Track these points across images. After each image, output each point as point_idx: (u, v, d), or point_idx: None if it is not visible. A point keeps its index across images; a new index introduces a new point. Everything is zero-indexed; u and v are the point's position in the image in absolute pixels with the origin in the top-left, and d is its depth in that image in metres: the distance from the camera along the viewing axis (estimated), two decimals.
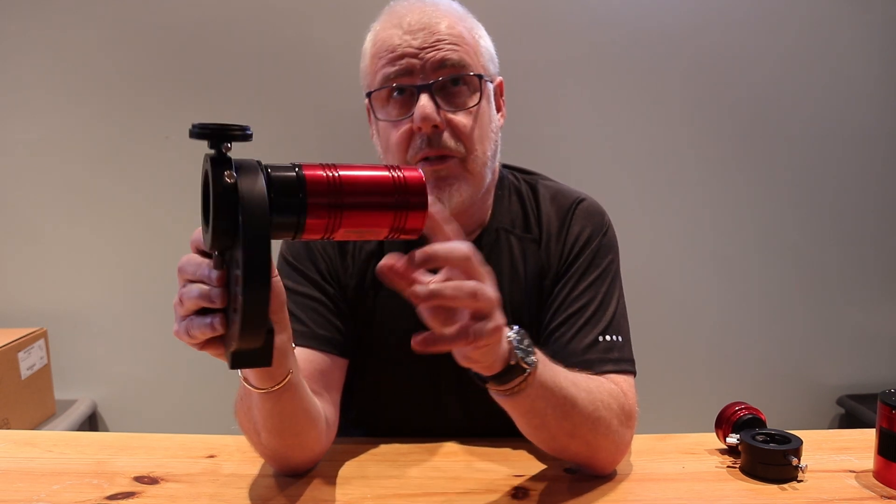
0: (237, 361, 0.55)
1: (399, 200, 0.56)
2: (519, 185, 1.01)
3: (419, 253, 0.59)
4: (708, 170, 1.93)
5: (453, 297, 0.59)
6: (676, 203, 1.94)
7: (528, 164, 1.05)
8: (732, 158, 1.93)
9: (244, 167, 0.52)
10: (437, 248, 0.60)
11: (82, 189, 1.88)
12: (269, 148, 1.91)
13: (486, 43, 0.92)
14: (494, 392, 0.71)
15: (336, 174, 0.55)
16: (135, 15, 1.81)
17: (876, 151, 1.95)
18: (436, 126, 0.84)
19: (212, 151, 0.52)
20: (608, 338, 0.88)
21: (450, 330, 0.61)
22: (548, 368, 0.73)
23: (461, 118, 0.86)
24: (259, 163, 0.54)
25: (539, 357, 0.71)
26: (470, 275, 0.60)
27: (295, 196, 0.53)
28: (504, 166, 1.02)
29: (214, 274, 0.55)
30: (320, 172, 0.55)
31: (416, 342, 0.60)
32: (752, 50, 1.88)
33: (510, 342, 0.68)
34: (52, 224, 1.89)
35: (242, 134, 0.53)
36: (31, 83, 1.84)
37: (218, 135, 0.52)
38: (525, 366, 0.68)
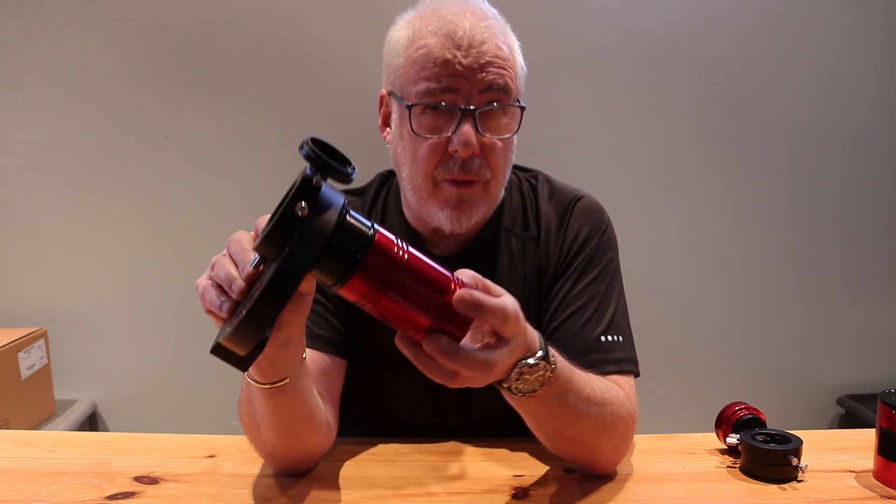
0: (217, 352, 0.55)
1: (447, 310, 0.56)
2: (519, 183, 1.01)
3: (466, 297, 0.56)
4: (708, 170, 1.93)
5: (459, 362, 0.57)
6: (677, 203, 1.94)
7: (529, 164, 1.05)
8: (732, 158, 1.93)
9: (323, 205, 0.51)
10: (486, 302, 0.57)
11: (82, 189, 1.88)
12: (269, 148, 1.93)
13: (521, 61, 0.91)
14: (503, 391, 0.70)
15: (405, 253, 0.54)
16: (135, 15, 1.81)
17: (876, 151, 1.95)
18: (472, 152, 0.84)
19: (308, 170, 0.52)
20: (609, 338, 0.88)
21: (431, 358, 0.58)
22: (559, 383, 0.69)
23: (496, 146, 0.86)
24: (344, 204, 0.53)
25: (559, 366, 0.68)
26: (499, 334, 0.60)
27: (355, 250, 0.53)
28: None
29: (247, 269, 0.56)
30: (392, 241, 0.54)
31: (398, 341, 0.59)
32: (752, 50, 1.88)
33: (518, 367, 0.65)
34: (52, 224, 1.89)
35: (342, 175, 0.52)
36: (31, 83, 1.84)
37: (320, 165, 0.52)
38: (512, 392, 0.66)
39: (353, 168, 0.53)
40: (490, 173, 0.87)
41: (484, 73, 0.83)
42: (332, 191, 0.53)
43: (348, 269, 0.53)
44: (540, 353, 0.65)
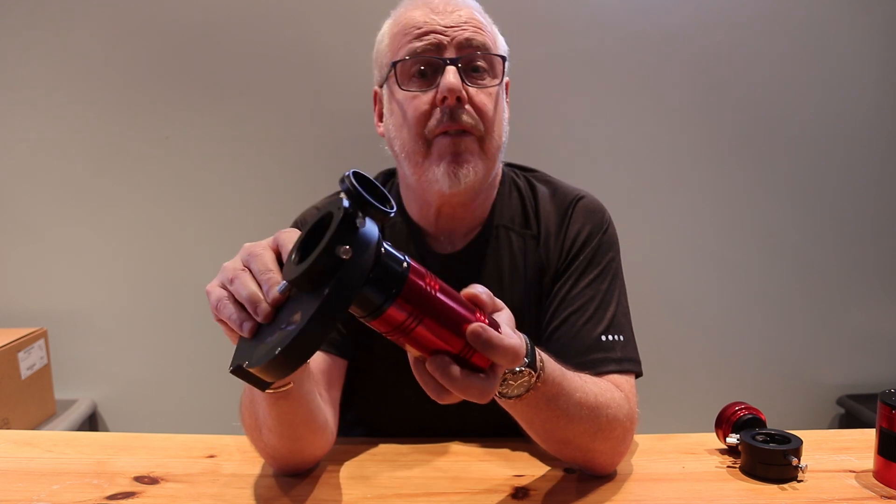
0: (238, 373, 0.55)
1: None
2: (519, 182, 1.01)
3: (479, 331, 0.55)
4: (708, 170, 1.93)
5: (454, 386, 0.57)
6: (676, 203, 1.94)
7: (528, 163, 1.05)
8: (732, 158, 1.93)
9: (362, 243, 0.51)
10: (496, 340, 0.56)
11: (82, 189, 1.88)
12: (269, 148, 1.93)
13: (502, 41, 0.95)
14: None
15: (435, 282, 0.55)
16: (135, 15, 1.81)
17: (876, 151, 1.94)
18: (459, 99, 0.86)
19: (345, 203, 0.51)
20: (610, 337, 0.88)
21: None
22: (547, 387, 0.68)
23: (483, 97, 0.88)
24: (380, 238, 0.53)
25: (547, 368, 0.67)
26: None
27: (391, 285, 0.53)
28: (504, 164, 1.02)
29: (274, 293, 0.55)
30: (423, 272, 0.55)
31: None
32: (752, 50, 1.88)
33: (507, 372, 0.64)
34: (52, 224, 1.89)
35: (382, 214, 0.51)
36: (31, 83, 1.84)
37: (360, 203, 0.51)
38: (497, 395, 0.66)
39: (393, 206, 0.53)
40: (483, 126, 0.88)
41: (461, 31, 0.88)
42: (369, 224, 0.52)
43: (384, 303, 0.53)
44: (525, 361, 0.64)
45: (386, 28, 0.94)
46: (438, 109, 0.86)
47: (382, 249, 0.53)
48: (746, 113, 1.91)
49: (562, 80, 1.85)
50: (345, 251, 0.49)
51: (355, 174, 0.52)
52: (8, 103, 1.85)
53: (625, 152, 1.91)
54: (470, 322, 0.56)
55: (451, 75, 0.86)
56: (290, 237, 0.59)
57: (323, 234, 0.52)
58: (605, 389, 0.79)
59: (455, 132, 0.87)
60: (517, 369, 0.64)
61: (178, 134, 1.86)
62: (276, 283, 0.56)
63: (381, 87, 0.95)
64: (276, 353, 0.50)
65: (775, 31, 1.88)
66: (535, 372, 0.66)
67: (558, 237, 0.95)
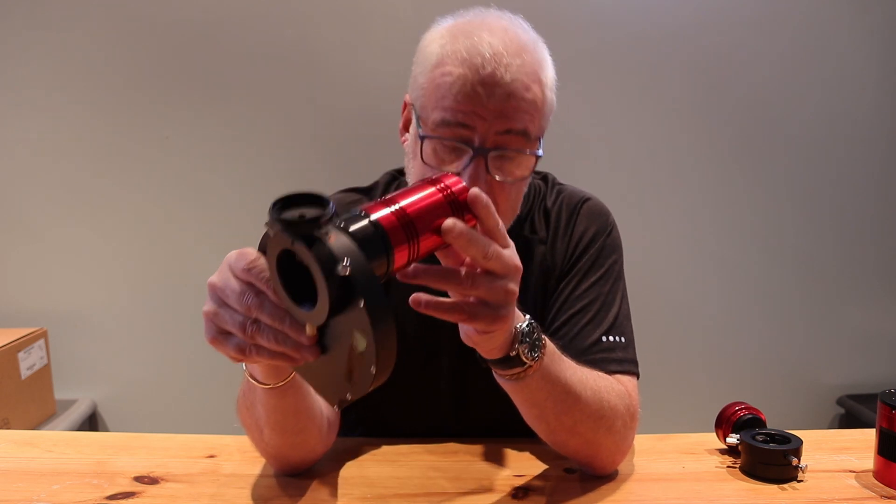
0: (344, 404, 0.57)
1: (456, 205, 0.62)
2: (529, 185, 1.01)
3: (475, 192, 0.61)
4: (708, 170, 1.93)
5: (469, 243, 0.59)
6: (676, 203, 1.94)
7: None
8: (732, 158, 1.93)
9: (343, 250, 0.52)
10: (483, 201, 0.61)
11: (82, 189, 1.88)
12: (269, 148, 1.92)
13: (551, 97, 0.87)
14: (496, 374, 0.72)
15: (402, 211, 0.58)
16: (135, 15, 1.81)
17: (876, 151, 1.95)
18: None
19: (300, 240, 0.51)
20: (611, 338, 0.88)
21: (450, 301, 0.62)
22: (554, 363, 0.73)
23: (505, 187, 0.82)
24: (345, 229, 0.54)
25: (547, 351, 0.71)
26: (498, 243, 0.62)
27: (380, 247, 0.56)
28: None
29: (305, 335, 0.55)
30: (390, 217, 0.57)
31: (415, 299, 0.61)
32: (752, 50, 1.88)
33: (517, 332, 0.68)
34: (52, 224, 1.89)
35: (324, 218, 0.52)
36: (31, 83, 1.84)
37: (306, 226, 0.51)
38: (525, 359, 0.68)
39: (327, 199, 0.53)
40: (500, 210, 0.85)
41: (504, 118, 0.79)
42: (339, 242, 0.53)
43: (389, 262, 0.56)
44: (528, 318, 0.69)
45: (433, 56, 0.82)
46: None
47: (350, 231, 0.54)
48: (746, 113, 1.91)
49: (561, 80, 1.85)
50: (342, 268, 0.50)
51: (277, 206, 0.52)
52: (8, 103, 1.85)
53: (624, 152, 1.91)
54: (438, 186, 0.61)
55: (473, 172, 0.78)
56: (240, 259, 0.57)
57: (289, 260, 0.53)
58: (603, 377, 0.81)
59: None
60: (525, 325, 0.68)
61: (178, 134, 1.86)
62: (287, 318, 0.55)
63: (410, 105, 0.88)
64: (374, 379, 0.54)
65: (775, 31, 1.88)
66: (542, 341, 0.69)
67: (563, 239, 0.96)
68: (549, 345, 0.72)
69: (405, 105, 0.91)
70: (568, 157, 1.87)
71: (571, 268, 0.94)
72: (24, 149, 1.86)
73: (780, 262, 1.97)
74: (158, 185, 1.87)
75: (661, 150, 1.91)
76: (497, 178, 0.81)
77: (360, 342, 0.53)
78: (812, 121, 1.92)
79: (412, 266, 0.59)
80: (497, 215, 0.63)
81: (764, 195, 1.94)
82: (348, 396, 0.56)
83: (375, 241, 0.55)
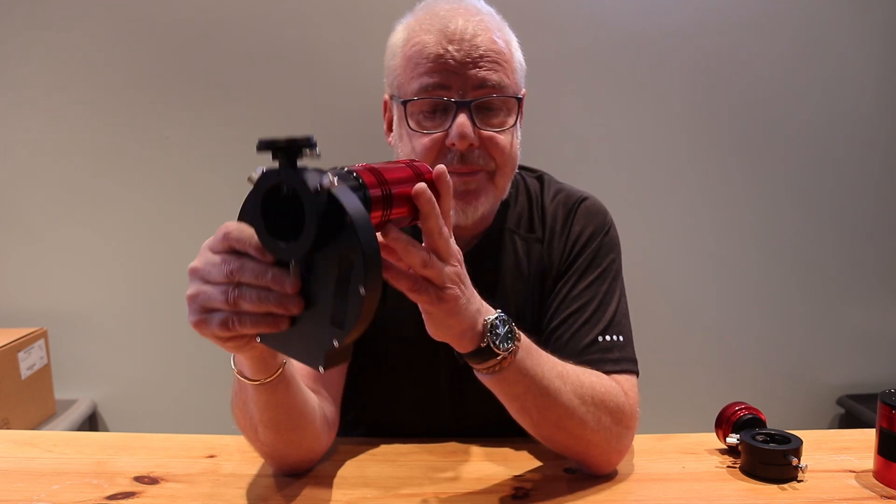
0: (331, 361, 0.56)
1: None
2: (525, 185, 1.01)
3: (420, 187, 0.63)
4: (707, 169, 1.93)
5: (405, 252, 0.62)
6: (676, 203, 1.94)
7: (527, 163, 1.05)
8: (732, 158, 1.93)
9: (320, 173, 0.55)
10: (424, 191, 0.63)
11: (82, 189, 1.88)
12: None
13: (519, 56, 0.91)
14: (475, 371, 0.73)
15: (380, 174, 0.61)
16: (135, 15, 1.81)
17: (876, 151, 1.94)
18: (471, 144, 0.84)
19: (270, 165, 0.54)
20: (608, 338, 0.88)
21: (404, 269, 0.64)
22: (531, 356, 0.73)
23: (496, 138, 0.86)
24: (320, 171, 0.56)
25: (522, 345, 0.72)
26: (436, 251, 0.64)
27: (362, 196, 0.58)
28: None
29: (289, 282, 0.56)
30: (369, 174, 0.60)
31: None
32: (752, 50, 1.88)
33: (487, 323, 0.69)
34: (52, 224, 1.89)
35: (304, 145, 0.55)
36: (31, 83, 1.84)
37: (290, 147, 0.54)
38: (497, 351, 0.69)
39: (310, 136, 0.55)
40: (494, 164, 0.87)
41: (476, 69, 0.84)
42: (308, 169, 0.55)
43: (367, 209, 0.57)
44: (499, 311, 0.71)
45: (399, 40, 0.89)
46: (449, 150, 0.85)
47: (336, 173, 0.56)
48: (746, 113, 1.91)
49: (561, 80, 1.85)
50: (330, 181, 0.52)
51: (265, 140, 0.56)
52: (8, 103, 1.85)
53: (624, 152, 1.91)
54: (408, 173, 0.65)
55: (462, 120, 0.83)
56: (216, 235, 0.61)
57: (272, 204, 0.55)
58: (591, 373, 0.81)
59: (465, 172, 0.86)
60: (493, 317, 0.70)
61: (178, 134, 1.85)
62: (274, 270, 0.56)
63: (391, 98, 0.92)
64: (361, 311, 0.52)
65: (775, 31, 1.88)
66: (514, 334, 0.71)
67: (561, 238, 0.96)
68: (525, 339, 0.73)
69: (384, 105, 0.95)
70: (568, 157, 1.87)
71: (569, 267, 0.94)
72: (24, 149, 1.86)
73: (779, 262, 1.97)
74: (158, 185, 1.87)
75: (661, 150, 1.91)
76: (485, 129, 0.85)
77: (348, 265, 0.53)
78: (812, 121, 1.92)
79: (392, 230, 0.62)
80: (451, 201, 0.67)
81: (764, 195, 1.94)
82: (335, 343, 0.54)
83: (357, 189, 0.58)
